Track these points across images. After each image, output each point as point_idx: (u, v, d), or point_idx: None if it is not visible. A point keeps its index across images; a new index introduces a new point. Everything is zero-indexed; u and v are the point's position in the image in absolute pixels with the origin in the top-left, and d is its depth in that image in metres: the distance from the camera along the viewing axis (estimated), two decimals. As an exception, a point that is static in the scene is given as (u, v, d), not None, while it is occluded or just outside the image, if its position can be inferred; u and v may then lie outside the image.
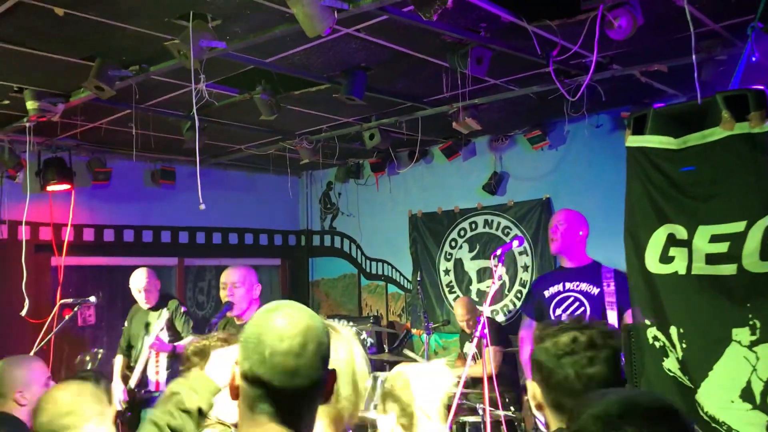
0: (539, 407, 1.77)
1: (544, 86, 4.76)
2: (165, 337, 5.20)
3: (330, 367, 1.55)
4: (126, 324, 5.62)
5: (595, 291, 4.23)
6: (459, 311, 5.77)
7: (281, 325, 1.48)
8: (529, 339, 4.50)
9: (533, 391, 1.76)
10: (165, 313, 5.20)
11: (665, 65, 4.33)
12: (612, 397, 1.20)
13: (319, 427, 1.75)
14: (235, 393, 1.50)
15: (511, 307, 6.50)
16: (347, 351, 1.85)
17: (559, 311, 4.32)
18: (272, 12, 3.43)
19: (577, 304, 4.27)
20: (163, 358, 5.32)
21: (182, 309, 5.43)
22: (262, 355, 1.45)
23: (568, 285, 4.37)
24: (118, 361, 5.53)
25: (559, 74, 4.32)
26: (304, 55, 4.16)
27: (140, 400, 5.27)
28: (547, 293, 4.45)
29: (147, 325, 5.38)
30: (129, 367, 5.43)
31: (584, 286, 4.29)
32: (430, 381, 2.47)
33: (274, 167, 7.33)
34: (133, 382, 5.29)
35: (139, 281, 5.37)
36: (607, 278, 4.17)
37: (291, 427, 1.46)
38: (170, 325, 5.32)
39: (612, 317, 4.05)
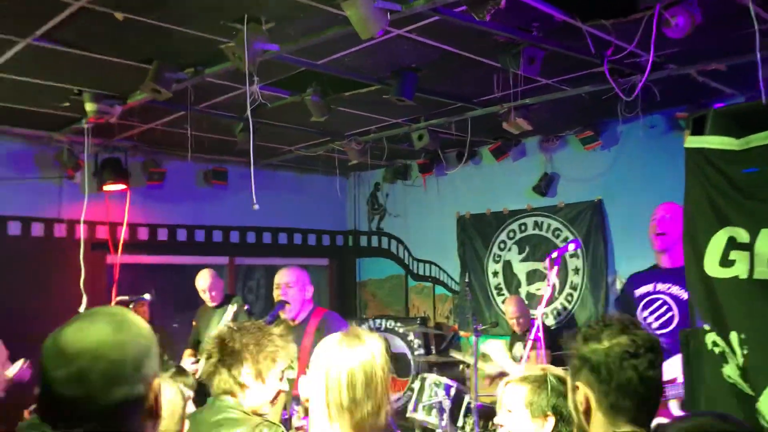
0: (587, 412, 1.72)
1: (596, 86, 4.69)
2: None
3: (346, 372, 1.48)
4: (194, 321, 5.80)
5: (685, 296, 3.96)
6: (510, 309, 5.73)
7: (64, 343, 1.27)
8: None
9: (584, 395, 1.70)
10: (230, 308, 5.32)
11: (724, 64, 4.22)
12: (689, 423, 1.16)
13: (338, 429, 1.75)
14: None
15: (560, 309, 6.42)
16: (368, 358, 1.80)
17: (646, 313, 4.07)
18: (325, 14, 3.46)
19: (665, 307, 4.02)
20: None
21: (246, 307, 5.58)
22: (44, 381, 1.26)
23: (659, 286, 4.09)
24: (186, 354, 5.73)
25: (613, 74, 4.25)
26: (355, 56, 4.19)
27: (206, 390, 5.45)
28: (637, 292, 4.19)
29: (213, 322, 5.52)
30: (197, 361, 5.59)
31: (675, 290, 4.01)
32: None
33: (323, 168, 7.39)
34: (198, 373, 5.43)
35: (203, 282, 5.56)
36: None
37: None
38: (235, 319, 5.45)
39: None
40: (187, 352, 5.74)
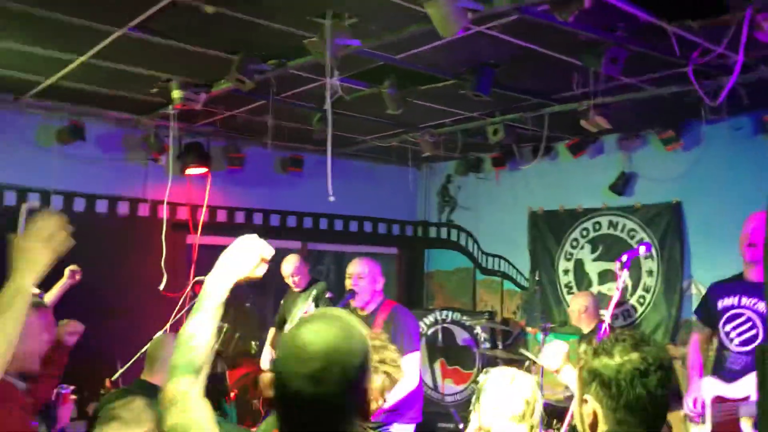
0: (593, 426, 1.72)
1: (681, 87, 4.56)
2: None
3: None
4: (282, 303, 6.02)
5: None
6: (582, 301, 5.67)
7: (303, 342, 1.42)
8: (696, 346, 4.17)
9: (593, 408, 1.70)
10: (313, 294, 5.49)
11: (818, 67, 4.04)
12: None
13: None
14: (269, 403, 1.54)
15: (632, 312, 6.30)
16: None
17: (728, 327, 3.95)
18: (407, 11, 3.50)
19: (749, 324, 3.89)
20: None
21: (328, 294, 5.70)
22: (282, 376, 1.42)
23: (744, 300, 3.95)
24: (271, 333, 6.06)
25: (698, 75, 4.13)
26: (433, 52, 4.21)
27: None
28: (720, 304, 4.07)
29: (297, 306, 5.71)
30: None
31: (761, 306, 3.86)
32: (501, 390, 2.45)
33: (396, 159, 7.46)
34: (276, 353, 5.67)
35: (286, 268, 5.76)
36: None
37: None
38: (317, 306, 5.62)
39: None
40: (271, 331, 6.02)
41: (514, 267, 7.44)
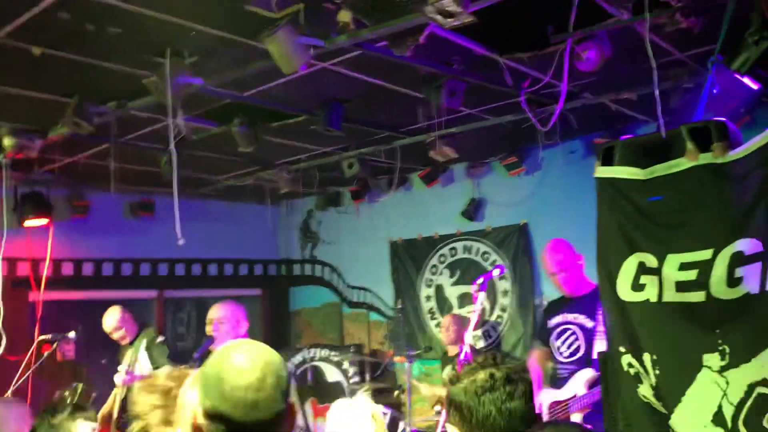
0: None
1: (517, 115, 4.85)
2: (147, 364, 5.20)
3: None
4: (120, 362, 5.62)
5: (590, 324, 4.15)
6: (446, 321, 5.84)
7: (240, 361, 1.55)
8: (534, 361, 4.42)
9: None
10: (143, 343, 5.19)
11: (634, 93, 4.43)
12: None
13: None
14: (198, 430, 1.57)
15: (492, 332, 6.53)
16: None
17: (558, 342, 4.24)
18: (248, 48, 3.48)
19: (573, 337, 4.19)
20: None
21: (159, 338, 5.41)
22: (222, 391, 1.51)
23: (568, 316, 4.28)
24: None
25: (532, 103, 4.41)
26: (281, 88, 4.22)
27: (121, 424, 5.32)
28: (551, 322, 4.37)
29: (126, 359, 5.36)
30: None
31: (582, 319, 4.18)
32: (344, 416, 2.50)
33: (253, 197, 7.35)
34: (115, 412, 5.30)
35: (110, 323, 5.34)
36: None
37: None
38: (151, 355, 5.32)
39: (601, 348, 4.02)
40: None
41: (378, 297, 7.51)
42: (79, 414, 2.98)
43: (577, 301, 4.25)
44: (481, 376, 1.72)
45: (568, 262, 4.22)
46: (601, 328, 4.03)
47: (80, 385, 5.71)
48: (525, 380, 1.81)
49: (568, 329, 4.23)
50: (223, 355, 1.59)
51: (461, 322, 5.80)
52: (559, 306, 4.41)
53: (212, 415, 1.52)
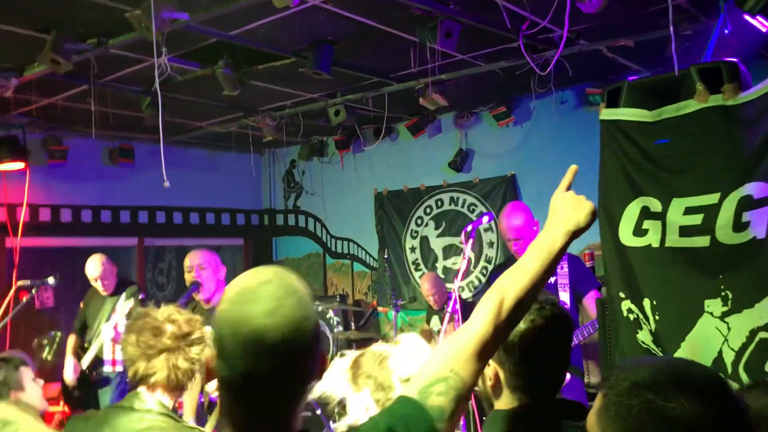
0: (496, 389, 1.70)
1: (511, 62, 4.75)
2: (124, 324, 5.08)
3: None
4: (82, 305, 5.46)
5: (552, 279, 4.14)
6: (425, 286, 5.75)
7: (253, 282, 1.26)
8: None
9: (494, 371, 1.68)
10: (125, 302, 5.05)
11: (632, 40, 4.34)
12: (659, 365, 1.14)
13: None
14: (211, 374, 1.31)
15: (476, 283, 6.53)
16: None
17: None
18: (238, -18, 3.32)
19: None
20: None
21: (140, 296, 5.26)
22: (236, 324, 1.23)
23: None
24: (71, 340, 5.37)
25: (528, 49, 4.30)
26: (269, 28, 4.06)
27: (93, 381, 5.21)
28: None
29: (104, 311, 5.24)
30: (82, 348, 5.30)
31: None
32: (408, 352, 2.41)
33: (236, 145, 7.19)
34: (85, 363, 5.18)
35: (93, 271, 5.17)
36: (561, 261, 4.07)
37: (274, 408, 1.26)
38: (130, 312, 5.18)
39: (564, 298, 4.04)
40: (71, 338, 5.30)
41: (363, 248, 7.46)
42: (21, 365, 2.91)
43: None
44: (539, 321, 1.66)
45: (526, 230, 4.16)
46: (561, 280, 4.06)
47: (59, 334, 5.61)
48: (571, 323, 1.81)
49: None
50: (240, 280, 1.29)
51: (439, 284, 5.73)
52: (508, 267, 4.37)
53: (220, 354, 1.25)
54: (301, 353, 1.25)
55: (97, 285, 5.20)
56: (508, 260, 4.39)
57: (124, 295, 5.10)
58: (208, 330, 3.90)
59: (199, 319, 2.24)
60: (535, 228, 4.21)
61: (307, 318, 1.26)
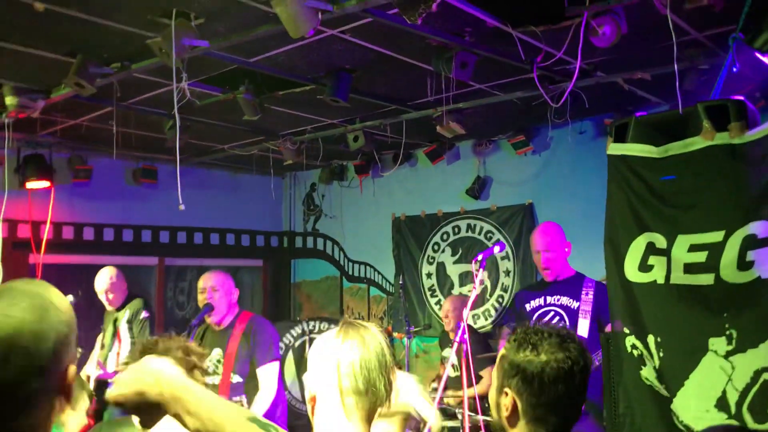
0: (511, 419, 1.71)
1: (528, 92, 4.76)
2: (127, 337, 5.13)
3: (360, 361, 1.49)
4: (103, 325, 5.54)
5: (575, 305, 4.18)
6: (446, 306, 5.73)
7: None
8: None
9: (512, 400, 1.68)
10: (125, 315, 5.09)
11: (648, 73, 4.35)
12: None
13: (355, 419, 1.70)
14: None
15: (492, 312, 6.50)
16: (377, 344, 1.75)
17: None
18: (256, 12, 3.40)
19: (557, 318, 4.22)
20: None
21: (143, 314, 5.22)
22: None
23: (549, 299, 4.32)
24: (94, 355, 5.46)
25: (543, 80, 4.33)
26: (288, 55, 4.13)
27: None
28: (528, 306, 4.39)
29: (108, 326, 5.29)
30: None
31: (565, 300, 4.23)
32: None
33: (257, 168, 7.29)
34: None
35: (100, 284, 5.21)
36: (587, 287, 4.12)
37: None
38: (130, 329, 5.21)
39: (583, 325, 4.04)
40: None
41: (379, 273, 7.48)
42: None
43: (560, 284, 4.31)
44: (561, 356, 1.66)
45: (557, 244, 4.26)
46: (584, 307, 4.08)
47: (79, 350, 5.69)
48: (590, 368, 1.79)
49: (550, 311, 4.25)
50: None
51: (460, 305, 5.72)
52: (536, 291, 4.46)
53: None
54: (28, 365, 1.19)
55: (103, 299, 5.24)
56: (535, 284, 4.50)
57: (127, 311, 5.14)
58: (215, 353, 3.93)
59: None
60: (567, 249, 4.28)
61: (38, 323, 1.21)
